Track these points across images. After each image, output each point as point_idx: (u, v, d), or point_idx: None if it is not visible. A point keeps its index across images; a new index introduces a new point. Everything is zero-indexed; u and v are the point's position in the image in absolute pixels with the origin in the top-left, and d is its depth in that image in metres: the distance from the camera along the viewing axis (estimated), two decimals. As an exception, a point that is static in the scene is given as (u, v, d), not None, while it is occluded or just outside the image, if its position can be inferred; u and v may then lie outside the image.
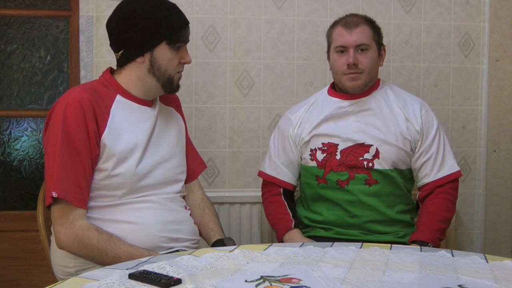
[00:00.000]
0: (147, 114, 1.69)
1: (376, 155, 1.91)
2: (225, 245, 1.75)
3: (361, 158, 1.91)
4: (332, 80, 2.05)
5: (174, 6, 1.71)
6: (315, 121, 1.98)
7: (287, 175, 2.05)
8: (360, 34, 1.92)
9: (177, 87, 1.74)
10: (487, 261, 1.32)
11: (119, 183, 1.59)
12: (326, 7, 2.45)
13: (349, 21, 1.95)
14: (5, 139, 2.51)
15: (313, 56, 2.46)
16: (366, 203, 1.91)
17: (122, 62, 1.68)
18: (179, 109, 1.89)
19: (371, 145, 1.91)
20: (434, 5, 2.50)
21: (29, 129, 2.52)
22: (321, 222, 1.97)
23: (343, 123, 1.95)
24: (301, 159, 2.03)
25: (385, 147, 1.91)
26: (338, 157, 1.92)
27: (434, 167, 1.94)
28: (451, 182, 1.95)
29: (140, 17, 1.62)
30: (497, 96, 2.55)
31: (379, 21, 1.96)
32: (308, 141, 1.99)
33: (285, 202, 2.05)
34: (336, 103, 1.98)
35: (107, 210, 1.59)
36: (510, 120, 2.57)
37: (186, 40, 1.71)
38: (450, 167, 1.96)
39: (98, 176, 1.58)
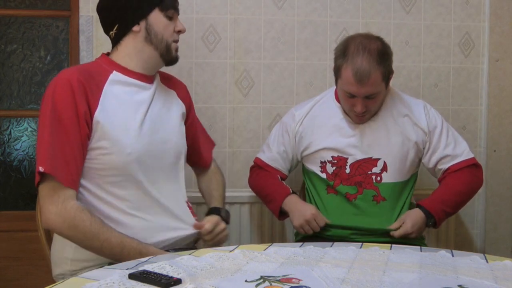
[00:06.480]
0: (143, 89, 1.67)
1: (384, 168, 1.93)
2: (219, 214, 1.79)
3: (369, 172, 1.93)
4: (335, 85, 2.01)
5: None
6: (321, 132, 1.98)
7: (280, 164, 2.08)
8: (371, 87, 1.81)
9: (176, 57, 1.73)
10: (487, 261, 1.32)
11: (113, 161, 1.55)
12: (326, 7, 2.45)
13: (360, 70, 1.78)
14: (5, 139, 2.51)
15: (313, 56, 2.46)
16: (372, 216, 1.93)
17: (118, 37, 1.67)
18: (184, 95, 1.86)
19: (379, 159, 1.93)
20: (434, 5, 2.50)
21: (29, 129, 2.52)
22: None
23: (352, 139, 1.94)
24: (306, 165, 2.05)
25: (392, 159, 1.93)
26: (347, 170, 1.94)
27: (446, 160, 1.97)
28: (471, 166, 1.98)
29: None
30: (497, 96, 2.55)
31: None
32: (317, 151, 1.98)
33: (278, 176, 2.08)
34: (344, 121, 1.97)
35: (103, 190, 1.57)
36: (510, 120, 2.57)
37: (175, 7, 1.72)
38: (465, 155, 1.98)
39: (91, 155, 1.54)
